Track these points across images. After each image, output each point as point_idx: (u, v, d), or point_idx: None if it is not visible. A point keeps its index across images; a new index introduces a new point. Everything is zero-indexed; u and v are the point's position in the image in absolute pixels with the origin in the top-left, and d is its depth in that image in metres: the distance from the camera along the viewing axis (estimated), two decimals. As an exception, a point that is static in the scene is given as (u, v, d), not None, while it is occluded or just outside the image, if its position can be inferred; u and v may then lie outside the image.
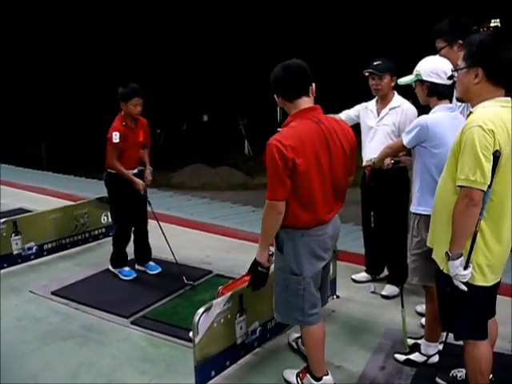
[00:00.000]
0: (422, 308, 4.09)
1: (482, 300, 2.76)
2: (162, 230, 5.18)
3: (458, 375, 3.24)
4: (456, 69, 2.80)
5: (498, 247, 2.69)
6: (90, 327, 4.23)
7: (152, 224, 5.30)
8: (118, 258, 5.18)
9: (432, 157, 3.33)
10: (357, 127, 4.51)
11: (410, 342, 3.69)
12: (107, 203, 5.38)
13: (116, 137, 4.77)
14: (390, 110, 4.45)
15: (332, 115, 3.60)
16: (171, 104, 25.06)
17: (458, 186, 2.57)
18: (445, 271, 2.71)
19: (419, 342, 3.62)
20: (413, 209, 3.50)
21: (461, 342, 2.87)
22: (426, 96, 3.44)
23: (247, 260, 3.35)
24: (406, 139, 3.47)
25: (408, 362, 3.56)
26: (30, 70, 23.48)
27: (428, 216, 3.04)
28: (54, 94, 23.98)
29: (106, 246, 5.78)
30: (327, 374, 3.33)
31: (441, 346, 3.34)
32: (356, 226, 6.45)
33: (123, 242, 5.15)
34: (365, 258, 4.97)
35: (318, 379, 3.31)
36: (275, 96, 3.15)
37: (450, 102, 3.45)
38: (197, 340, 3.24)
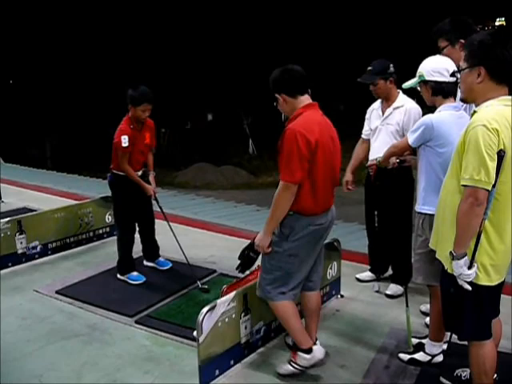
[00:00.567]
0: (426, 307, 4.08)
1: (486, 300, 2.75)
2: (171, 229, 5.17)
3: (463, 375, 3.24)
4: (459, 70, 2.80)
5: (503, 247, 2.68)
6: (94, 326, 4.23)
7: (158, 223, 5.29)
8: (125, 264, 5.08)
9: (437, 156, 3.32)
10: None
11: (415, 341, 3.69)
12: (111, 202, 5.37)
13: (125, 141, 4.69)
14: (394, 109, 4.45)
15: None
16: (176, 103, 25.07)
17: (463, 186, 2.57)
18: (449, 271, 2.71)
19: (423, 341, 3.61)
20: (417, 208, 3.49)
21: (465, 342, 2.86)
22: (431, 96, 3.44)
23: (251, 259, 3.39)
24: (411, 138, 3.46)
25: (412, 362, 3.55)
26: (35, 69, 23.56)
27: (433, 215, 3.03)
28: (59, 93, 24.06)
29: (111, 245, 5.79)
30: (315, 344, 3.42)
31: (445, 346, 3.33)
32: (360, 225, 6.44)
33: (127, 245, 5.07)
34: (369, 257, 4.96)
35: (308, 351, 3.36)
36: (277, 96, 3.26)
37: (455, 100, 3.45)
38: (201, 339, 3.25)
